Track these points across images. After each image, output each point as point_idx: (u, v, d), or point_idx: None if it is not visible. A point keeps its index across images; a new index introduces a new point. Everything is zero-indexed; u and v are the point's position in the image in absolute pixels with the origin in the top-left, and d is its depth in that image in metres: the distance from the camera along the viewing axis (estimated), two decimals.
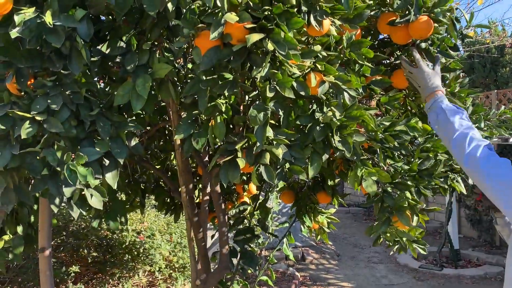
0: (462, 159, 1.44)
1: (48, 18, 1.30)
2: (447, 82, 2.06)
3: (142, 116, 2.51)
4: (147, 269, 4.26)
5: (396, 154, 1.87)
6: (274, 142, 1.62)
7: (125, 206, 2.47)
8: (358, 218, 11.86)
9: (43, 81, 1.51)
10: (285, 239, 3.39)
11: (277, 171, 1.69)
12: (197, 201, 3.17)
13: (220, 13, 1.33)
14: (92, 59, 1.63)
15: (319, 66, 1.62)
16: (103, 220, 2.35)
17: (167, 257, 4.36)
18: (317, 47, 1.64)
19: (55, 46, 1.41)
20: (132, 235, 4.20)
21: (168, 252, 4.20)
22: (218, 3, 1.32)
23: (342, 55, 1.68)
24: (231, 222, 2.73)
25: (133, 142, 1.73)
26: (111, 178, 1.64)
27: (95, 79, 1.94)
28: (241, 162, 1.57)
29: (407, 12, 1.83)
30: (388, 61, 2.15)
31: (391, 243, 1.99)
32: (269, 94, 1.42)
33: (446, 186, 2.14)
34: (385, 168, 1.94)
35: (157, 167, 3.23)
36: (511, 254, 1.28)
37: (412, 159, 2.02)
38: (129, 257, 4.16)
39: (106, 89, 1.79)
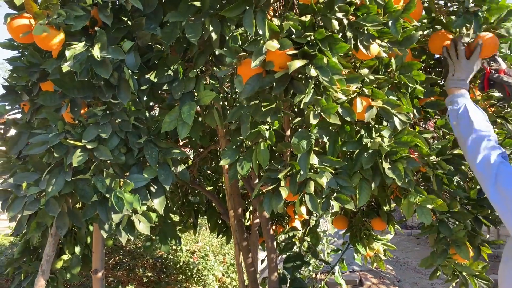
0: (475, 161, 1.39)
1: (96, 51, 1.35)
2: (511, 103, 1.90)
3: (193, 139, 2.55)
4: None
5: (455, 180, 1.74)
6: (319, 170, 1.57)
7: (175, 229, 2.50)
8: (421, 241, 11.25)
9: (94, 110, 1.57)
10: (337, 267, 3.26)
11: (323, 199, 1.63)
12: (248, 223, 3.15)
13: (261, 41, 1.32)
14: (142, 87, 1.69)
15: (366, 91, 1.56)
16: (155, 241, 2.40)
17: (220, 279, 4.36)
18: (364, 71, 1.58)
19: (104, 77, 1.47)
20: (186, 255, 4.25)
21: (221, 273, 4.20)
22: (260, 31, 1.32)
23: (391, 78, 1.61)
24: (282, 246, 2.68)
25: (179, 168, 1.75)
26: (159, 204, 1.66)
27: (152, 105, 2.01)
28: (284, 192, 1.54)
29: (463, 29, 1.73)
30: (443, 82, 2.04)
31: (449, 277, 1.85)
32: (313, 121, 1.38)
33: None
34: (442, 196, 1.82)
35: (209, 188, 3.27)
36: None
37: (473, 186, 1.88)
38: (183, 277, 4.21)
39: (155, 116, 1.83)
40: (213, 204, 3.27)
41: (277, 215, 3.10)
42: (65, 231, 1.72)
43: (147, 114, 1.72)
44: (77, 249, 2.54)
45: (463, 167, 1.69)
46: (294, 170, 1.60)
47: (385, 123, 1.63)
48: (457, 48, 1.65)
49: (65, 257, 2.54)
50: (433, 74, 1.99)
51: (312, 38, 1.33)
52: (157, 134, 1.75)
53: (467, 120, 1.48)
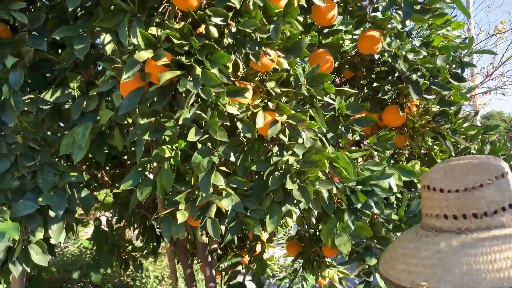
0: None
1: None
2: (449, 117, 1.76)
3: None
4: None
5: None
6: (224, 192, 1.43)
7: (111, 257, 2.35)
8: None
9: None
10: None
11: (231, 224, 1.48)
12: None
13: (137, 51, 1.21)
14: (43, 107, 1.58)
15: (271, 105, 1.43)
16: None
17: None
18: (270, 84, 1.46)
19: None
20: (153, 282, 4.08)
21: None
22: (134, 41, 1.21)
23: (301, 92, 1.48)
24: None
25: (83, 194, 1.62)
26: (55, 232, 1.53)
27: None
28: (181, 216, 1.40)
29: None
30: (383, 96, 1.91)
31: None
32: (193, 138, 1.25)
33: None
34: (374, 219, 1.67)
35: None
36: None
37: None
38: None
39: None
40: None
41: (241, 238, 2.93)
42: None
43: (49, 134, 1.61)
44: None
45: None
46: (197, 192, 1.47)
47: (300, 140, 1.49)
48: None
49: (0, 286, 2.41)
50: (365, 89, 1.87)
51: (191, 47, 1.22)
52: (62, 156, 1.64)
53: None
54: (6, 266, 2.27)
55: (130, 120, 1.91)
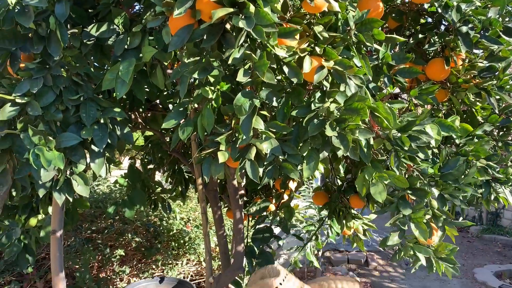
0: None
1: None
2: (496, 73, 1.70)
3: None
4: (191, 259, 4.26)
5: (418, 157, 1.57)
6: (263, 136, 1.44)
7: (144, 196, 2.43)
8: None
9: (28, 64, 1.49)
10: (309, 243, 3.14)
11: (269, 167, 1.50)
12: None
13: None
14: (86, 42, 1.59)
15: (318, 49, 1.40)
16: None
17: (213, 249, 4.33)
18: (318, 28, 1.42)
19: (34, 28, 1.38)
20: (179, 223, 4.23)
21: (214, 243, 4.16)
22: None
23: (349, 37, 1.44)
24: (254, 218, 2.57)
25: (125, 130, 1.66)
26: (97, 165, 1.59)
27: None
28: (222, 156, 1.42)
29: None
30: (429, 48, 1.85)
31: (411, 259, 1.71)
32: (242, 79, 1.25)
33: (492, 197, 1.79)
34: (406, 171, 1.66)
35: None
36: None
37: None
38: (175, 245, 4.19)
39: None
40: None
41: (266, 187, 2.99)
42: (6, 188, 1.67)
43: (92, 70, 1.62)
44: (51, 209, 2.52)
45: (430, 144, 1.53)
46: (237, 135, 1.48)
47: (342, 87, 1.47)
48: None
49: (39, 216, 2.54)
50: (411, 39, 1.81)
51: None
52: (102, 92, 1.66)
53: None
54: (45, 198, 2.38)
55: (165, 63, 1.91)
